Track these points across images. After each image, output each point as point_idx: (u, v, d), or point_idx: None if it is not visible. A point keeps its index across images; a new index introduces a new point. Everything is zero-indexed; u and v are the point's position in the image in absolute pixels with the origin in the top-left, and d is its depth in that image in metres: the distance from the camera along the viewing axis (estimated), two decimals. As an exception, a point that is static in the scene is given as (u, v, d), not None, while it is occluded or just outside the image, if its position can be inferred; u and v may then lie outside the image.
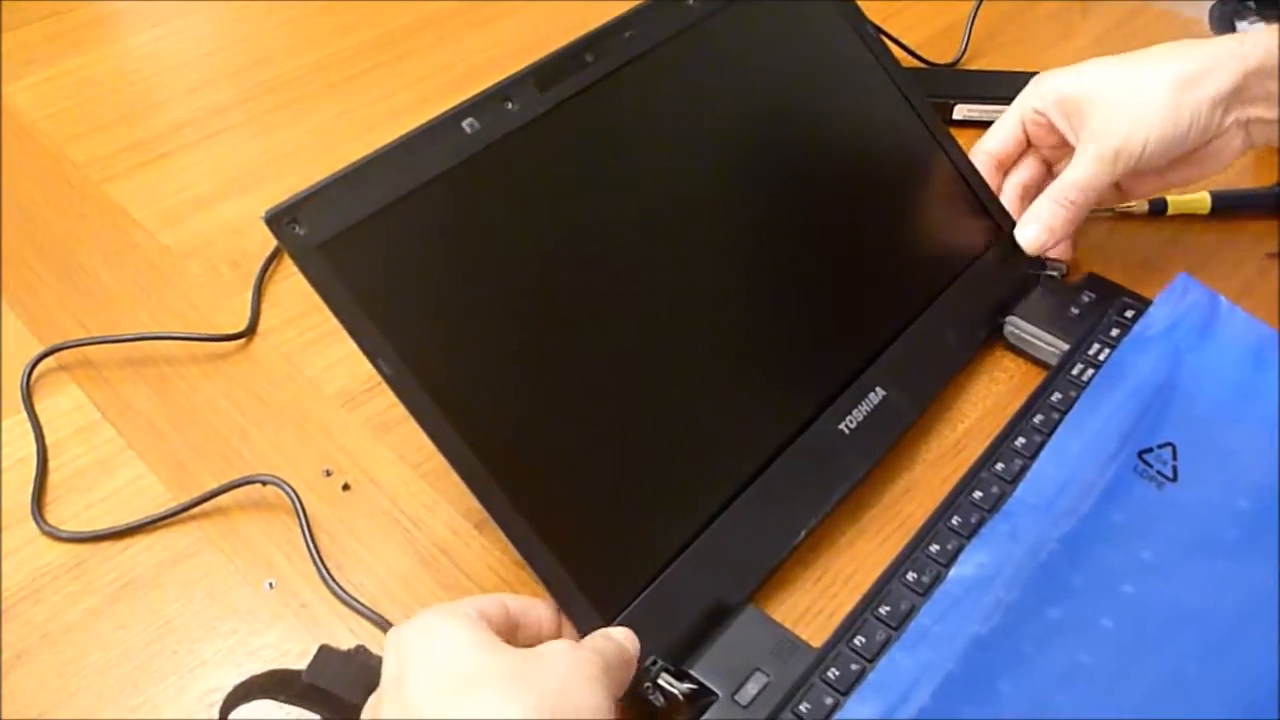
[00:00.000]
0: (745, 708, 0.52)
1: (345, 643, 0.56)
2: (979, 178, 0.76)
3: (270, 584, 0.60)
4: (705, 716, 0.52)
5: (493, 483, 0.53)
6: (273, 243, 0.75)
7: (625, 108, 0.64)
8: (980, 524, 0.60)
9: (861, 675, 0.54)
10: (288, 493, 0.62)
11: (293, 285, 0.77)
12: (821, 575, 0.61)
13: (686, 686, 0.53)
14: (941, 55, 0.98)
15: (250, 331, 0.74)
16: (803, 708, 0.52)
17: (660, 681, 0.52)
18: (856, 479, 0.63)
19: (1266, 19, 0.93)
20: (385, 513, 0.63)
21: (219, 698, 0.50)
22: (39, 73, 0.96)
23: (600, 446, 0.58)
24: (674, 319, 0.62)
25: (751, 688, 0.53)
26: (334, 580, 0.59)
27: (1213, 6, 1.00)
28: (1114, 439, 0.63)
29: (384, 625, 0.58)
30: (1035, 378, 0.70)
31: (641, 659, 0.52)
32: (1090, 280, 0.74)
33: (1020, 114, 0.75)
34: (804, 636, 0.56)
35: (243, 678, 0.50)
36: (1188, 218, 0.81)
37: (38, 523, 0.62)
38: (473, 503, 0.53)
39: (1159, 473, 0.62)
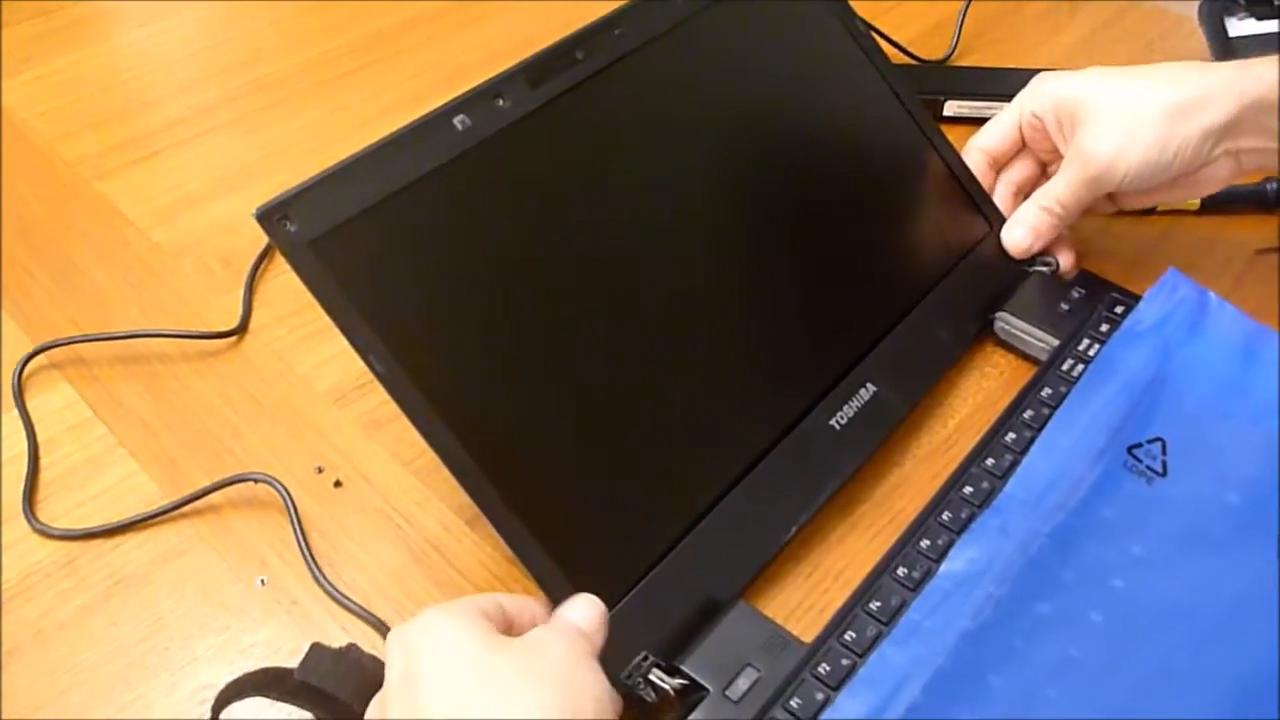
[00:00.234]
0: (736, 703, 0.53)
1: (337, 640, 0.56)
2: (969, 175, 0.76)
3: (262, 581, 0.60)
4: (696, 712, 0.52)
5: (484, 479, 0.53)
6: (264, 240, 0.75)
7: (615, 105, 0.64)
8: (970, 519, 0.60)
9: (852, 670, 0.54)
10: (279, 490, 0.62)
11: (284, 283, 0.77)
12: (812, 571, 0.61)
13: (678, 682, 0.53)
14: (932, 52, 0.98)
15: (242, 329, 0.74)
16: (793, 703, 0.53)
17: (651, 677, 0.53)
18: (847, 475, 0.63)
19: (1256, 15, 0.93)
20: (377, 510, 0.63)
21: (211, 694, 0.50)
22: (30, 71, 0.96)
23: (591, 442, 0.58)
24: (665, 315, 0.62)
25: (742, 683, 0.53)
26: (325, 578, 0.59)
27: (1201, 4, 1.00)
28: (1104, 434, 0.63)
29: (374, 622, 0.58)
30: (1025, 373, 0.70)
31: (633, 654, 0.52)
32: (1080, 276, 0.74)
33: (1018, 115, 0.75)
34: (795, 632, 0.56)
35: (235, 675, 0.50)
36: (1177, 214, 0.82)
37: (29, 520, 0.62)
38: (464, 499, 0.53)
39: (1149, 468, 0.62)
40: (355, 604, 0.58)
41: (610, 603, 0.54)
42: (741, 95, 0.69)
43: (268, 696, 0.50)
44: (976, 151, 0.77)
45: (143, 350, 0.72)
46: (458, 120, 0.58)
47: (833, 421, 0.64)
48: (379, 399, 0.53)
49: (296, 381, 0.71)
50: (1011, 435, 0.64)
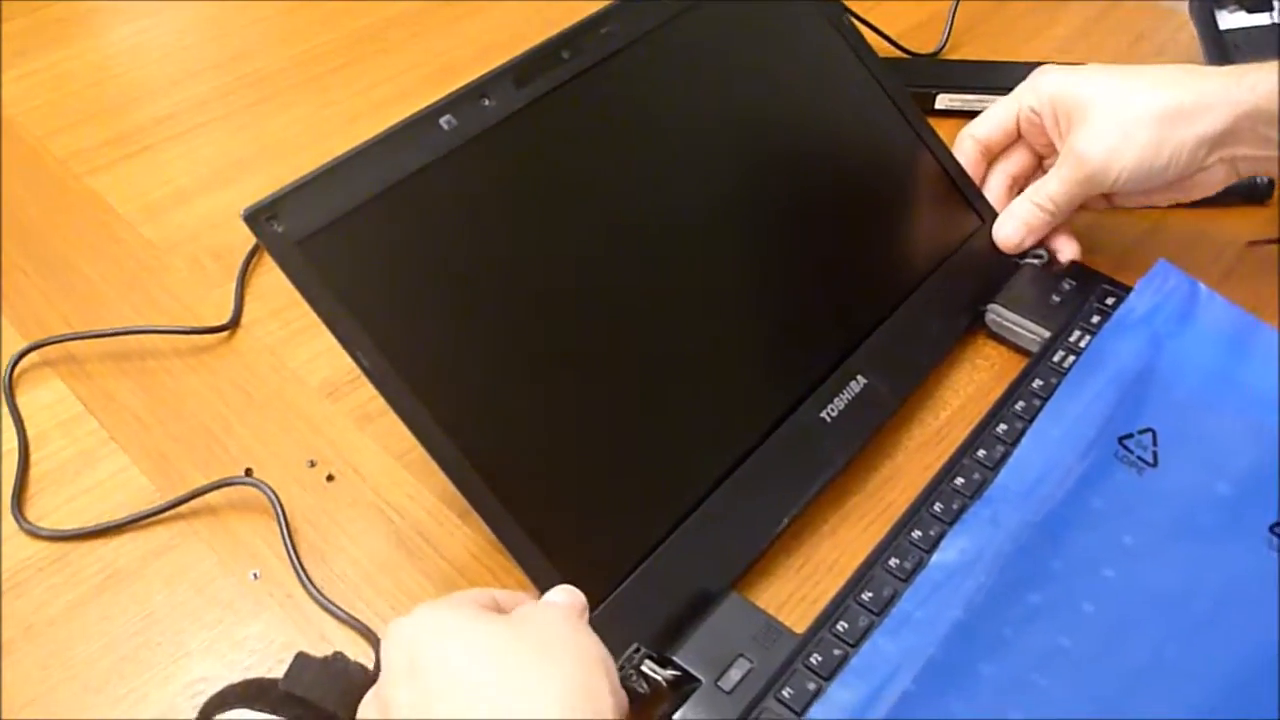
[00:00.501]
0: (729, 694, 0.53)
1: (331, 635, 0.57)
2: (959, 168, 0.76)
3: (255, 575, 0.60)
4: (689, 703, 0.52)
5: (473, 473, 0.53)
6: (255, 235, 0.75)
7: (601, 104, 0.64)
8: (962, 510, 0.60)
9: (844, 660, 0.54)
10: (268, 494, 0.62)
11: (276, 278, 0.75)
12: (804, 563, 0.61)
13: (670, 673, 0.53)
14: (924, 45, 0.98)
15: (233, 324, 0.74)
16: (785, 693, 0.53)
17: (644, 668, 0.53)
18: (838, 467, 0.63)
19: (1246, 8, 0.93)
20: (369, 503, 0.64)
21: (204, 688, 0.50)
22: (19, 67, 0.96)
23: (581, 436, 0.58)
24: (654, 310, 0.62)
25: (735, 673, 0.53)
26: (312, 584, 0.59)
27: (1193, -2, 1.00)
28: (1095, 425, 0.63)
29: (361, 629, 0.57)
30: (1017, 365, 0.70)
31: (625, 646, 0.53)
32: (1071, 268, 0.74)
33: (1016, 108, 0.75)
34: (787, 623, 0.56)
35: (227, 668, 0.50)
36: (1169, 205, 0.82)
37: (18, 520, 0.62)
38: (456, 492, 0.53)
39: (1139, 458, 0.62)
40: (342, 610, 0.58)
41: (601, 595, 0.54)
42: (729, 93, 0.69)
43: (253, 708, 0.50)
44: (969, 140, 0.77)
45: (134, 346, 0.72)
46: (444, 120, 0.58)
47: (823, 414, 0.64)
48: (370, 393, 0.53)
49: (288, 376, 0.71)
50: (1003, 426, 0.64)
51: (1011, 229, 0.74)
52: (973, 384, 0.70)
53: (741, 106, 0.70)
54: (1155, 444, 0.63)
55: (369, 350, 0.53)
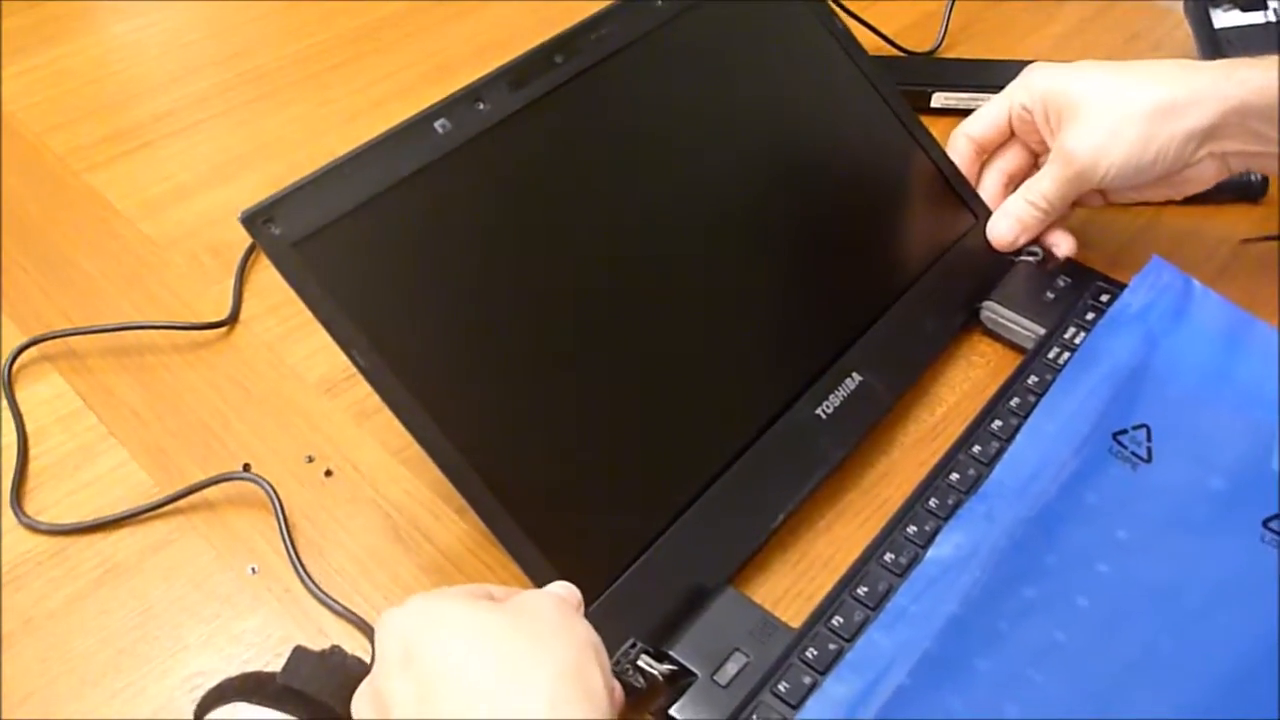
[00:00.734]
0: (725, 688, 0.53)
1: (329, 629, 0.57)
2: (953, 166, 0.76)
3: (253, 569, 0.60)
4: (685, 697, 0.53)
5: (469, 469, 0.54)
6: (253, 232, 0.75)
7: (595, 107, 0.64)
8: (957, 506, 0.60)
9: (840, 655, 0.54)
10: (266, 489, 0.62)
11: (274, 275, 0.74)
12: (800, 558, 0.61)
13: (666, 667, 0.53)
14: (920, 43, 0.99)
15: (232, 320, 0.74)
16: (781, 687, 0.53)
17: (640, 663, 0.53)
18: (834, 463, 0.64)
19: (1241, 7, 0.94)
20: (367, 499, 0.64)
21: (202, 682, 0.50)
22: (18, 64, 0.96)
23: (576, 432, 0.58)
24: (648, 309, 0.62)
25: (731, 668, 0.54)
26: (310, 578, 0.59)
27: (1188, -5, 1.00)
28: (1089, 421, 0.63)
29: (358, 622, 0.58)
30: (1012, 362, 0.70)
31: (621, 641, 0.53)
32: (1066, 265, 0.75)
33: (1008, 106, 0.75)
34: (783, 618, 0.56)
35: (225, 662, 0.50)
36: (1163, 202, 0.82)
37: (17, 514, 0.62)
38: (452, 487, 0.53)
39: (1134, 454, 0.63)
40: (340, 604, 0.58)
41: (598, 590, 0.54)
42: (723, 95, 0.70)
43: (250, 702, 0.50)
44: (963, 138, 0.77)
45: (133, 342, 0.72)
46: (438, 124, 0.58)
47: (819, 411, 0.64)
48: (368, 390, 0.53)
49: (286, 372, 0.71)
50: (998, 423, 0.65)
51: (1005, 227, 0.74)
52: (968, 381, 0.71)
53: (736, 109, 0.70)
54: (1149, 440, 0.63)
55: (365, 349, 0.53)
